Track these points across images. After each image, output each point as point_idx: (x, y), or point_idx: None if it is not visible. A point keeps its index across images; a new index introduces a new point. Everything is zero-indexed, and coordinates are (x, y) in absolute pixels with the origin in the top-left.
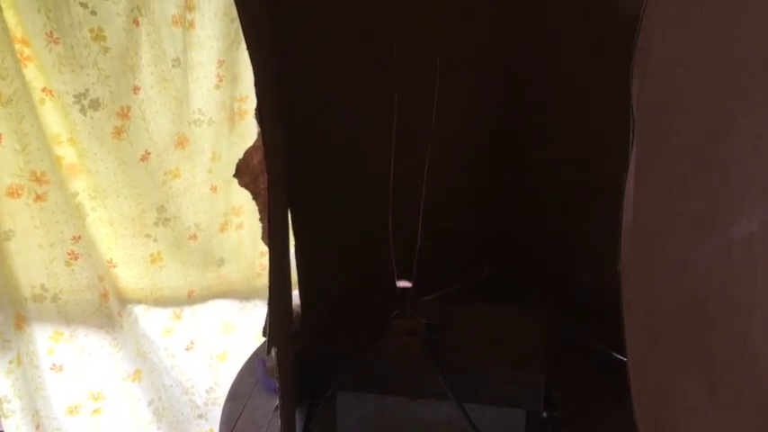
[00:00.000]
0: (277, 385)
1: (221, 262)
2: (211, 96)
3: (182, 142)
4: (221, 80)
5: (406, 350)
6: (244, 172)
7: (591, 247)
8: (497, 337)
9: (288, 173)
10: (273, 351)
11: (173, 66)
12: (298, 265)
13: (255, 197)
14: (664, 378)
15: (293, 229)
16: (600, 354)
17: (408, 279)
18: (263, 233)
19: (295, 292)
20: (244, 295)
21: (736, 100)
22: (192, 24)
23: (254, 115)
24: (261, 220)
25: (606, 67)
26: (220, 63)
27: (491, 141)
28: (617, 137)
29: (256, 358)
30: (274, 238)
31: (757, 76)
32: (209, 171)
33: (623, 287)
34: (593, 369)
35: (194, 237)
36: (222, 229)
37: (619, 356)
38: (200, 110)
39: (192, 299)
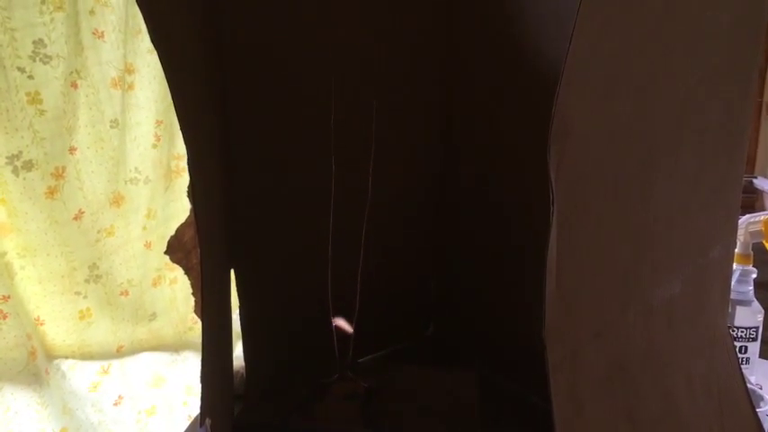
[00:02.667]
0: None
1: (153, 317)
2: (148, 155)
3: (117, 200)
4: (159, 140)
5: (344, 415)
6: (176, 248)
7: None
8: (434, 399)
9: (230, 236)
10: (207, 422)
11: (110, 126)
12: (242, 326)
13: (188, 272)
14: None
15: (237, 290)
16: (539, 409)
17: (348, 340)
18: (195, 307)
19: (237, 353)
20: (174, 348)
21: (650, 172)
22: (131, 86)
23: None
24: (194, 294)
25: (530, 139)
26: (158, 123)
27: (429, 201)
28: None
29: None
30: (209, 311)
31: (666, 154)
32: (144, 228)
33: (548, 352)
34: (532, 425)
35: (126, 292)
36: (155, 284)
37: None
38: (136, 168)
39: (120, 353)
